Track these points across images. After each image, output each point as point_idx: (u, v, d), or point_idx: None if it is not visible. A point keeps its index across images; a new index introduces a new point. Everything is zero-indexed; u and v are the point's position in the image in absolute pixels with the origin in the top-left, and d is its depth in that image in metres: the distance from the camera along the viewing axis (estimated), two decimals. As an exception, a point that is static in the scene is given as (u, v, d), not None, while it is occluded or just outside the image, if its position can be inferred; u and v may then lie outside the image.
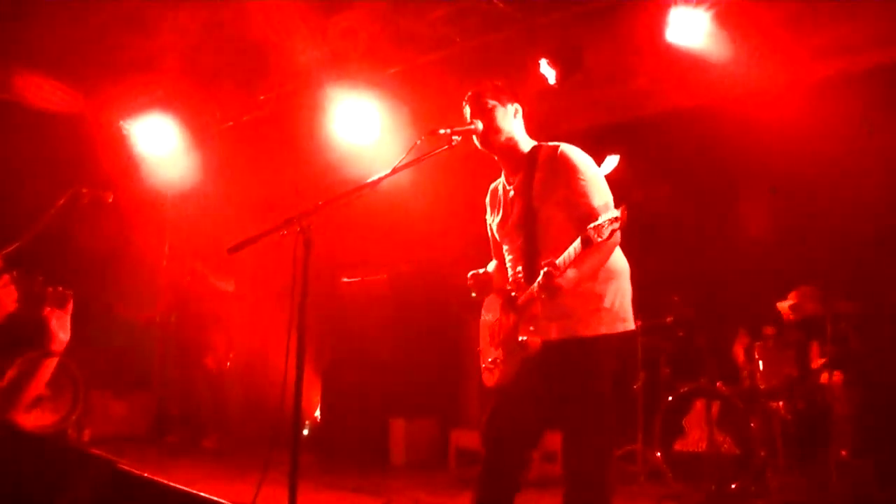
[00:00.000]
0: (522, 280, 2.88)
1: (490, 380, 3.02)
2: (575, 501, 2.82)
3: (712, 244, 6.45)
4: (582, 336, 2.82)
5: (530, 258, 2.87)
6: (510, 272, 3.06)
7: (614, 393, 2.84)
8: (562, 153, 2.92)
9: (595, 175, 2.91)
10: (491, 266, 3.30)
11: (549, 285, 2.62)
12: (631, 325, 2.92)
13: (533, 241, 2.90)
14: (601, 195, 2.84)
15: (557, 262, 2.62)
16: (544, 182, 2.92)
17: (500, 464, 2.95)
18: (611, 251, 2.81)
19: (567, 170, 2.88)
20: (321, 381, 7.34)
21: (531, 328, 2.79)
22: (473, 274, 3.16)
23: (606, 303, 2.84)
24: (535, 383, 2.87)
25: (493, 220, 3.25)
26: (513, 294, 2.93)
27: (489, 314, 3.13)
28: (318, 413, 7.20)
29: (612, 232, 2.55)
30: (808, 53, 5.02)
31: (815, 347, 5.43)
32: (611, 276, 2.88)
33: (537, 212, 2.91)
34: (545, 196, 2.91)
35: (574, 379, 2.82)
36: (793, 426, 5.17)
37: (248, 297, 8.26)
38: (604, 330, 2.83)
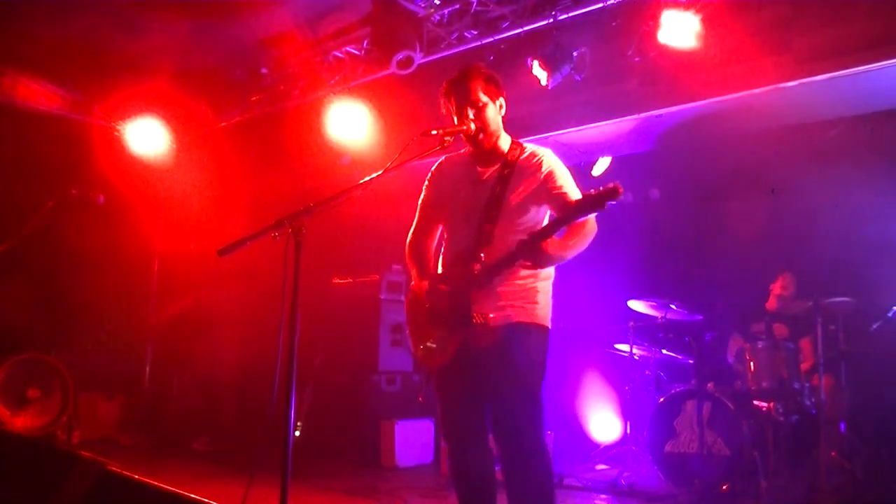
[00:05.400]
0: (465, 257, 3.02)
1: (431, 360, 3.10)
2: (521, 475, 2.93)
3: (705, 246, 6.47)
4: (517, 321, 3.00)
5: (486, 238, 3.01)
6: (448, 250, 3.17)
7: (542, 378, 3.03)
8: (542, 155, 3.13)
9: (569, 176, 3.11)
10: (410, 248, 3.29)
11: (534, 248, 2.81)
12: (549, 324, 3.11)
13: (494, 224, 3.02)
14: (577, 191, 3.06)
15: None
16: (521, 176, 3.07)
17: (473, 450, 3.08)
18: (592, 232, 2.97)
19: (547, 169, 3.07)
20: (313, 383, 7.34)
21: (484, 306, 2.94)
22: (431, 290, 3.11)
23: (538, 299, 3.06)
24: (473, 365, 2.98)
25: (438, 195, 3.26)
26: (471, 267, 3.00)
27: (422, 297, 3.12)
28: (298, 432, 7.14)
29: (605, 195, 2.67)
30: (797, 56, 5.04)
31: (805, 349, 5.47)
32: (545, 277, 3.11)
33: (507, 201, 3.04)
34: (520, 188, 3.05)
35: (510, 357, 2.94)
36: (783, 427, 5.20)
37: (241, 298, 8.25)
38: (534, 320, 3.04)
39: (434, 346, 3.07)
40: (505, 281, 2.99)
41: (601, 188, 2.68)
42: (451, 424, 3.12)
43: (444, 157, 3.32)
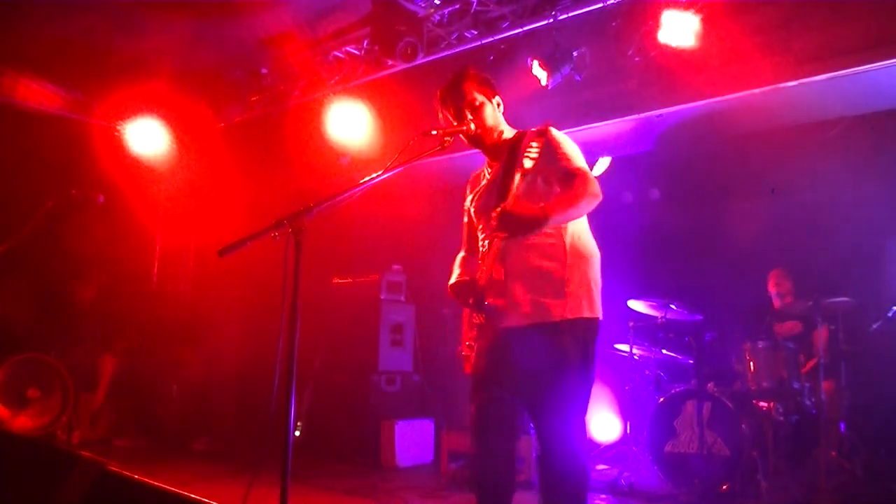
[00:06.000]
0: (488, 255, 2.94)
1: (468, 366, 3.02)
2: (555, 484, 2.83)
3: (706, 246, 6.47)
4: (545, 321, 2.84)
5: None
6: (481, 251, 3.09)
7: (582, 377, 2.85)
8: (545, 131, 2.95)
9: (574, 147, 2.96)
10: (458, 259, 3.29)
11: (505, 214, 2.67)
12: (595, 312, 2.92)
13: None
14: (581, 160, 2.92)
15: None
16: (525, 153, 2.90)
17: (492, 455, 2.95)
18: (582, 204, 2.79)
19: (549, 143, 2.90)
20: (312, 383, 7.34)
21: (494, 295, 2.86)
22: (455, 285, 3.11)
23: (570, 287, 2.86)
24: (505, 368, 2.90)
25: (471, 203, 3.25)
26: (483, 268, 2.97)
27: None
28: (298, 431, 7.13)
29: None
30: (797, 56, 5.04)
31: (818, 341, 5.45)
32: (577, 260, 2.90)
33: (513, 180, 2.89)
34: (524, 165, 2.88)
35: (539, 363, 2.81)
36: (783, 427, 5.20)
37: (241, 298, 8.25)
38: (567, 314, 2.84)
39: (468, 350, 3.01)
40: (523, 274, 2.88)
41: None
42: (477, 423, 2.99)
43: (474, 172, 3.32)
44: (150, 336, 8.04)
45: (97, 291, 7.39)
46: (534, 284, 2.88)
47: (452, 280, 3.15)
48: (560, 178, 2.88)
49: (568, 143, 2.98)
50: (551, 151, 2.89)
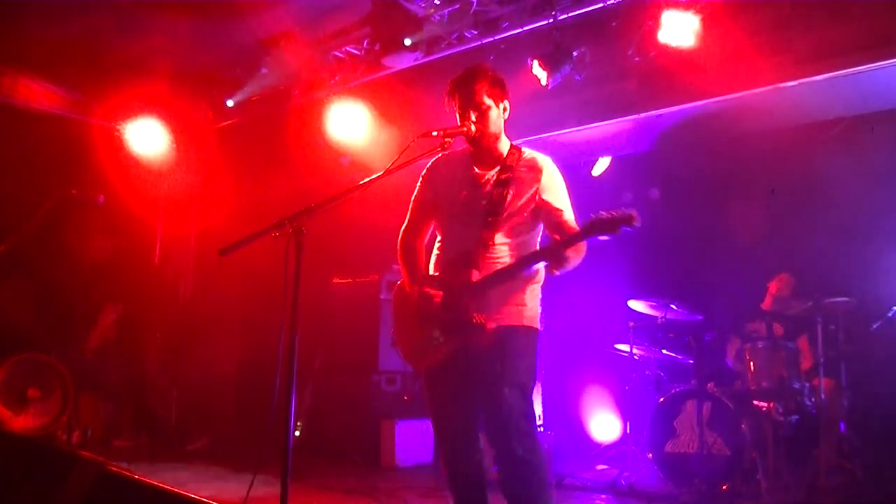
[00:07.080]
0: (461, 262, 3.03)
1: (419, 360, 3.14)
2: (517, 476, 2.93)
3: (705, 246, 6.47)
4: (507, 325, 3.00)
5: (484, 244, 3.01)
6: (443, 252, 3.16)
7: (530, 374, 3.07)
8: (542, 166, 3.12)
9: (563, 188, 3.15)
10: (402, 232, 3.28)
11: (558, 253, 2.88)
12: (539, 325, 3.15)
13: (492, 230, 3.03)
14: (568, 206, 3.13)
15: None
16: (520, 184, 3.07)
17: (460, 452, 3.09)
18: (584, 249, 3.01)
19: (544, 182, 3.09)
20: (312, 383, 7.34)
21: (479, 310, 2.97)
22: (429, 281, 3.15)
23: (527, 301, 3.08)
24: (465, 368, 2.99)
25: (434, 195, 3.23)
26: (467, 273, 3.01)
27: (412, 300, 3.12)
28: (298, 432, 7.14)
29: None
30: (797, 56, 5.04)
31: (802, 349, 5.47)
32: (531, 282, 3.11)
33: (505, 208, 3.05)
34: (518, 195, 3.05)
35: (501, 360, 2.96)
36: (783, 427, 5.20)
37: (241, 298, 8.26)
38: (525, 322, 3.06)
39: (424, 347, 3.06)
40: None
41: (616, 213, 2.75)
42: (443, 426, 3.13)
43: (440, 155, 3.24)
44: (147, 338, 8.06)
45: (111, 250, 7.42)
46: (505, 295, 3.03)
47: (415, 287, 3.11)
48: (554, 227, 3.05)
49: (560, 182, 3.14)
50: (545, 192, 3.07)
